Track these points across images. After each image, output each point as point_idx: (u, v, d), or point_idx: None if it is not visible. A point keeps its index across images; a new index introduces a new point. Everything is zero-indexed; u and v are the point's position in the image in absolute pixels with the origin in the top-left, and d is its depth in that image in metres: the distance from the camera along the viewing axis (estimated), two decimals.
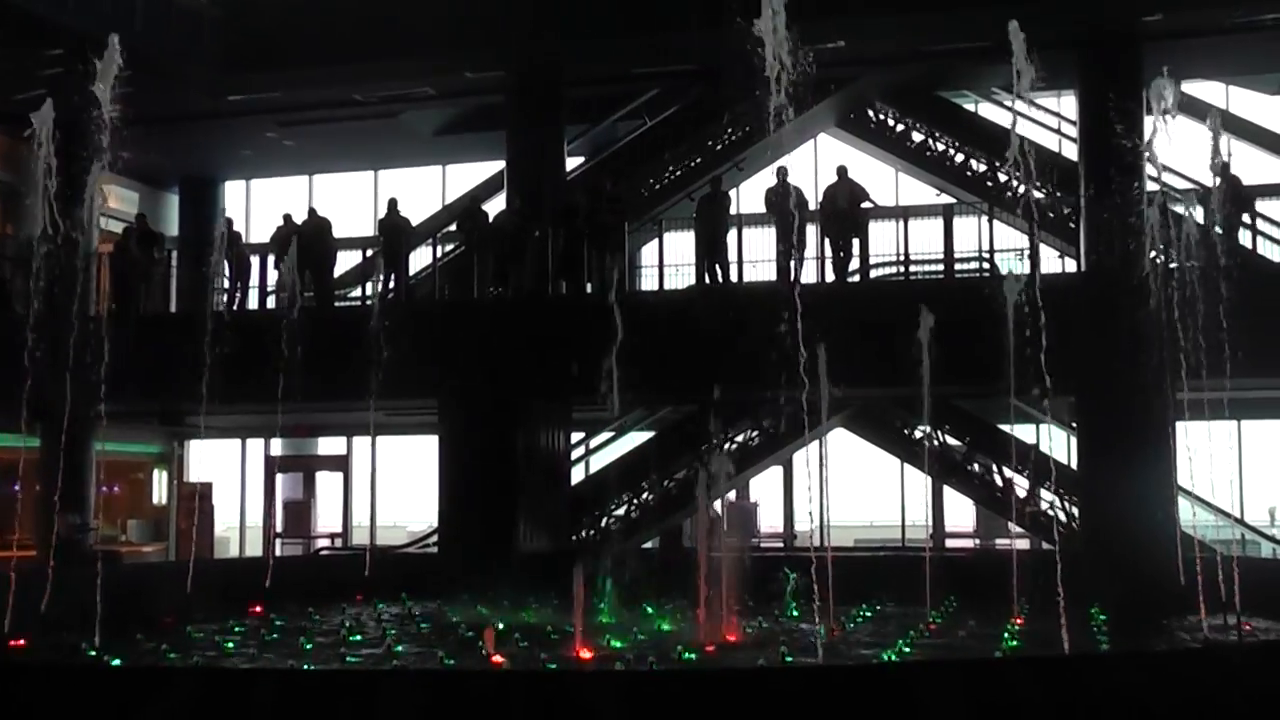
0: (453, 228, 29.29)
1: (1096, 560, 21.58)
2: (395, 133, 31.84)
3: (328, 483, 35.20)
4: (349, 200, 34.71)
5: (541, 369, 23.85)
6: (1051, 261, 27.83)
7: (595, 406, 24.65)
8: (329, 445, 35.42)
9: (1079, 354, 23.04)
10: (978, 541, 31.93)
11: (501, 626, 17.08)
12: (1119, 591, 17.52)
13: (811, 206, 25.87)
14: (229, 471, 35.71)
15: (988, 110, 30.96)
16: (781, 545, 31.73)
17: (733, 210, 26.83)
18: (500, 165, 29.37)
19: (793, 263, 25.12)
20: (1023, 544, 30.20)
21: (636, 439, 30.67)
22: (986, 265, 26.61)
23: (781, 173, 25.86)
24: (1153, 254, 22.17)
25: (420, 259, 28.66)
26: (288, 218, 28.20)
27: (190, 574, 20.04)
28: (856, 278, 25.49)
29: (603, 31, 26.37)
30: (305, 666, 13.16)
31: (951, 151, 29.85)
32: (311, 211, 28.61)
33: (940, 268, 26.54)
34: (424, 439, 28.31)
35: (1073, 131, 27.64)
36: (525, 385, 24.05)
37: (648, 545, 28.26)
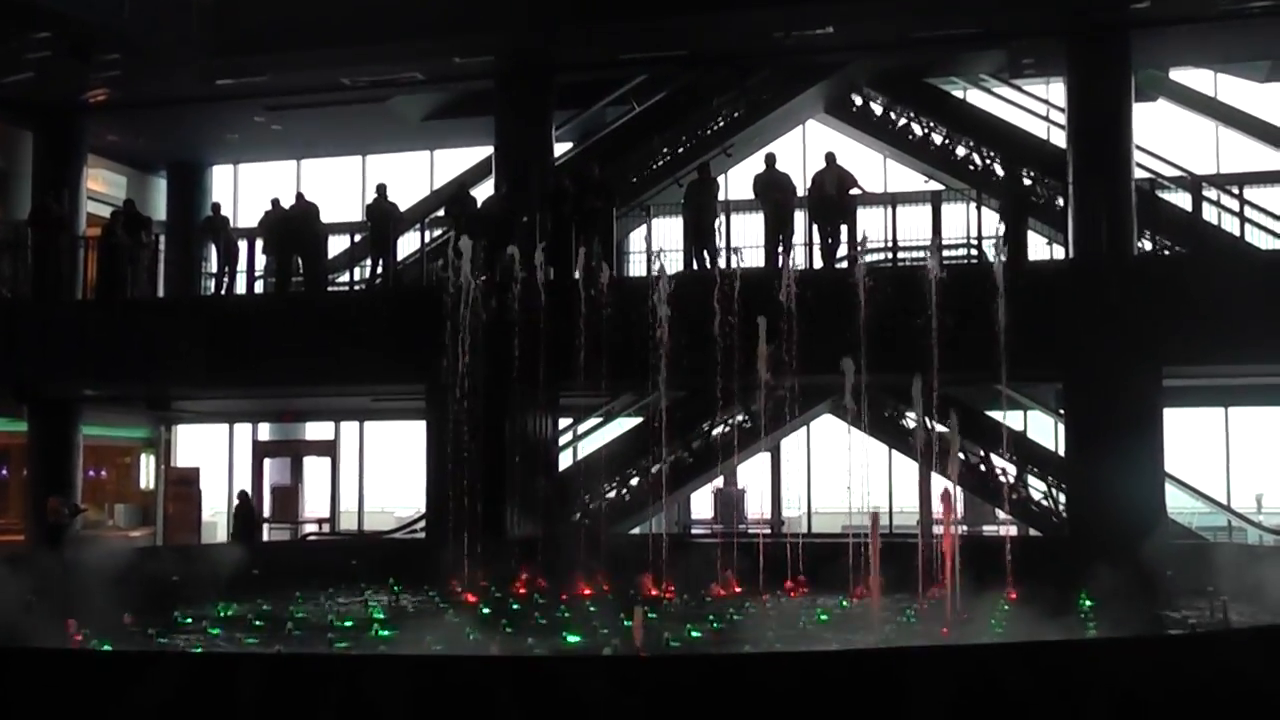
0: (441, 213, 29.25)
1: (1083, 546, 21.61)
2: (383, 118, 31.76)
3: (315, 468, 35.18)
4: (337, 185, 34.66)
5: (529, 354, 23.80)
6: (1039, 248, 27.85)
7: (583, 392, 24.67)
8: (316, 430, 35.40)
9: (1066, 340, 23.13)
10: (965, 528, 31.94)
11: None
12: (1105, 577, 17.52)
13: (800, 193, 25.90)
14: (217, 456, 35.68)
15: (976, 97, 30.94)
16: (769, 531, 31.77)
17: (721, 196, 26.84)
18: (488, 151, 29.35)
19: (781, 249, 25.17)
20: (1010, 530, 30.29)
21: (625, 424, 30.64)
22: (974, 252, 26.62)
23: (770, 159, 25.87)
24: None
25: (408, 244, 28.63)
26: (276, 202, 28.18)
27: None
28: (845, 264, 25.49)
29: (591, 17, 26.31)
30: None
31: (939, 138, 29.83)
32: (299, 196, 28.58)
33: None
34: (411, 424, 28.34)
35: (1061, 118, 27.64)
36: (513, 370, 24.02)
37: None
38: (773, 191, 25.42)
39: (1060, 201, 26.83)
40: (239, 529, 29.97)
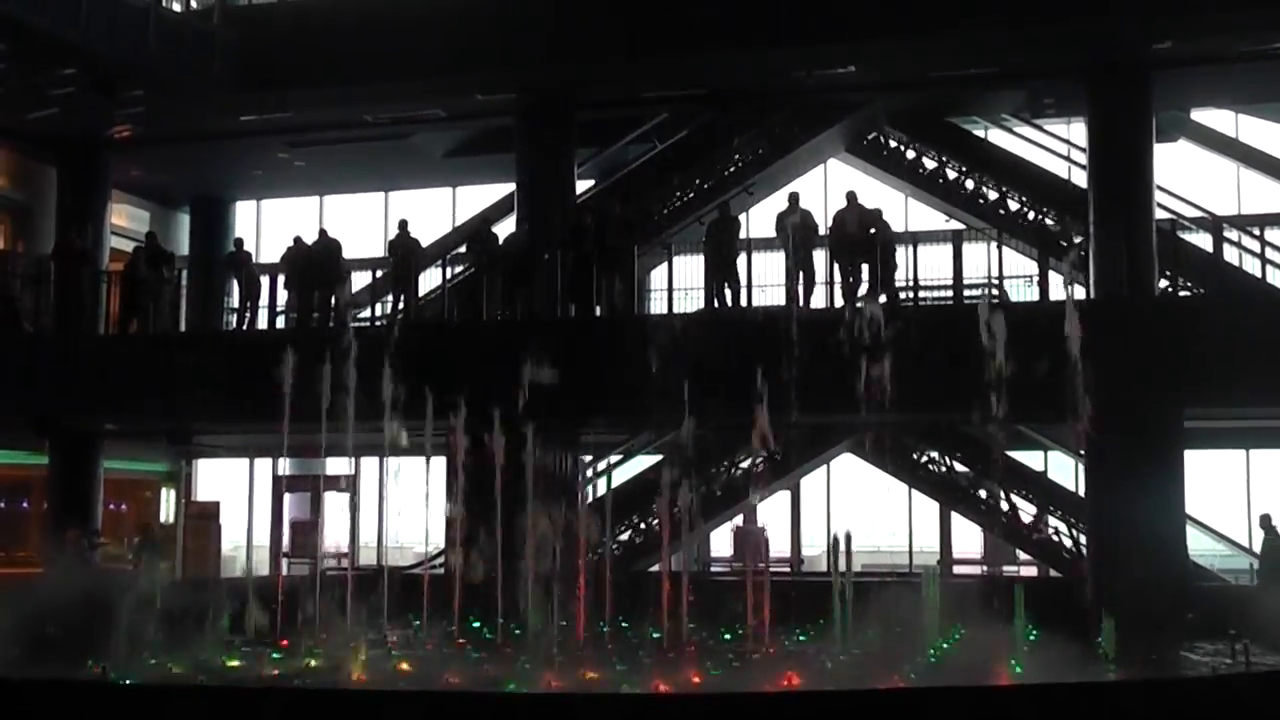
0: (462, 249, 29.31)
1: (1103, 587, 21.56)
2: (406, 154, 31.90)
3: (335, 502, 35.14)
4: (359, 221, 34.76)
5: (550, 391, 23.79)
6: (1060, 288, 27.80)
7: (603, 429, 24.69)
8: (336, 465, 35.36)
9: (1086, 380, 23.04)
10: (985, 568, 31.85)
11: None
12: (1126, 619, 17.47)
13: (821, 231, 25.90)
14: (236, 491, 35.68)
15: (997, 136, 30.98)
16: (789, 570, 31.70)
17: (742, 234, 26.87)
18: (510, 187, 29.40)
19: (801, 288, 25.15)
20: (1030, 570, 30.21)
21: (644, 462, 30.61)
22: (995, 291, 26.60)
23: (794, 198, 25.89)
24: None
25: (430, 280, 28.68)
26: (298, 239, 28.27)
27: None
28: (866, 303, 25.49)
29: (613, 55, 26.44)
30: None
31: (961, 177, 29.87)
32: (322, 232, 28.69)
33: (949, 293, 26.49)
34: (432, 460, 28.28)
35: (1082, 158, 27.64)
36: (533, 407, 24.03)
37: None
38: (794, 230, 25.42)
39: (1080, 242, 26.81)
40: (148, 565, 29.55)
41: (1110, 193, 25.66)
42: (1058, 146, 30.53)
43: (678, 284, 28.31)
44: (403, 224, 27.81)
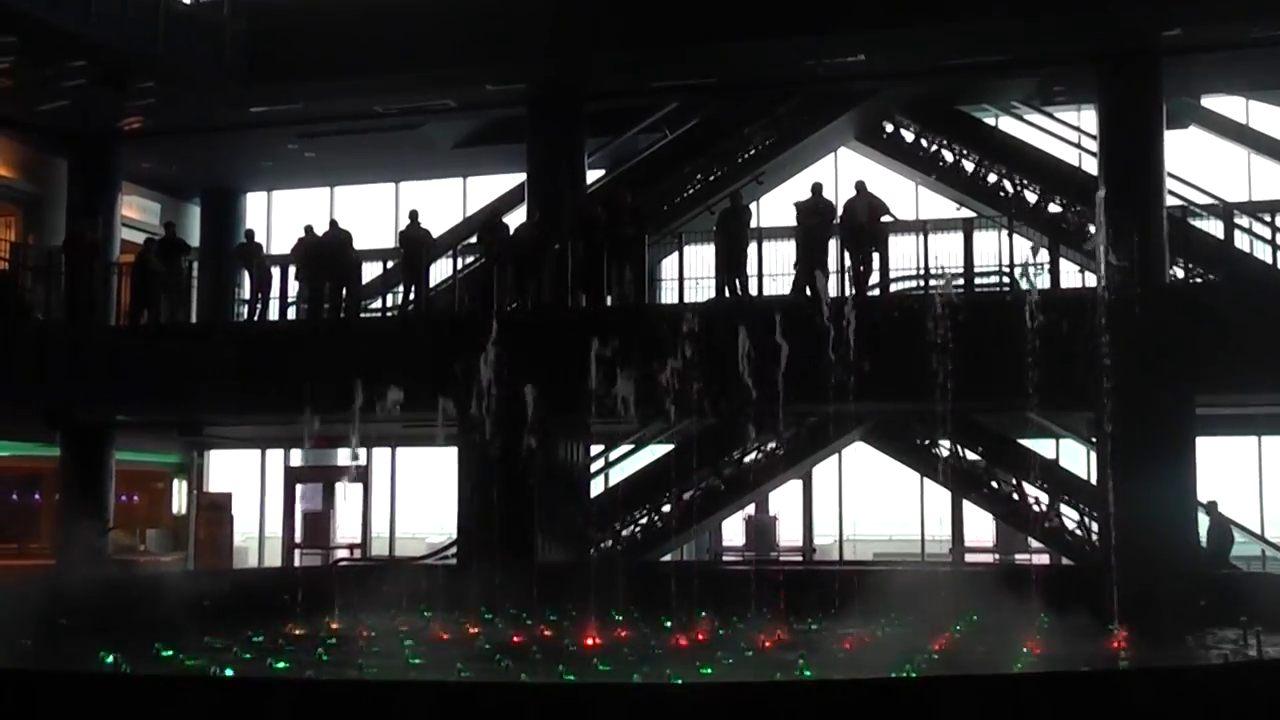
0: (473, 240, 29.32)
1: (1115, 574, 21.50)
2: (416, 145, 31.90)
3: (347, 493, 35.20)
4: (370, 212, 34.78)
5: (560, 381, 23.78)
6: (1071, 275, 27.75)
7: (614, 420, 24.63)
8: (348, 456, 35.42)
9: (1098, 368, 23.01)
10: (997, 557, 31.82)
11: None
12: (1138, 605, 17.43)
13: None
14: (248, 482, 35.76)
15: (1007, 124, 30.94)
16: (800, 559, 31.70)
17: (753, 224, 26.85)
18: (521, 178, 29.40)
19: (818, 276, 25.13)
20: (1042, 559, 30.16)
21: (656, 451, 30.61)
22: (1006, 279, 26.56)
23: (817, 187, 25.86)
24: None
25: (440, 271, 28.69)
26: (309, 229, 28.29)
27: None
28: (876, 291, 25.47)
29: (622, 45, 26.40)
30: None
31: (971, 166, 29.82)
32: (333, 223, 28.71)
33: (960, 282, 26.45)
34: (443, 450, 28.33)
35: (1093, 145, 27.58)
36: (544, 397, 24.03)
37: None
38: (808, 218, 25.41)
39: (1091, 229, 26.75)
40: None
41: (1121, 180, 25.60)
42: (1068, 134, 30.51)
43: (688, 273, 28.26)
44: (413, 215, 27.83)
